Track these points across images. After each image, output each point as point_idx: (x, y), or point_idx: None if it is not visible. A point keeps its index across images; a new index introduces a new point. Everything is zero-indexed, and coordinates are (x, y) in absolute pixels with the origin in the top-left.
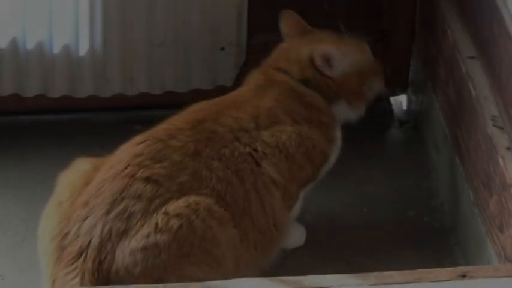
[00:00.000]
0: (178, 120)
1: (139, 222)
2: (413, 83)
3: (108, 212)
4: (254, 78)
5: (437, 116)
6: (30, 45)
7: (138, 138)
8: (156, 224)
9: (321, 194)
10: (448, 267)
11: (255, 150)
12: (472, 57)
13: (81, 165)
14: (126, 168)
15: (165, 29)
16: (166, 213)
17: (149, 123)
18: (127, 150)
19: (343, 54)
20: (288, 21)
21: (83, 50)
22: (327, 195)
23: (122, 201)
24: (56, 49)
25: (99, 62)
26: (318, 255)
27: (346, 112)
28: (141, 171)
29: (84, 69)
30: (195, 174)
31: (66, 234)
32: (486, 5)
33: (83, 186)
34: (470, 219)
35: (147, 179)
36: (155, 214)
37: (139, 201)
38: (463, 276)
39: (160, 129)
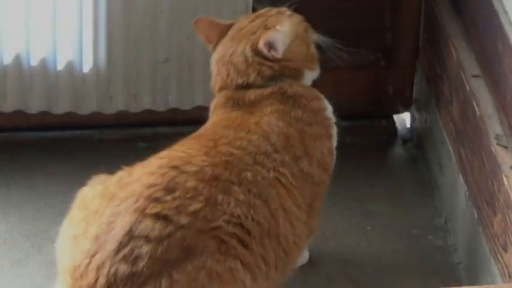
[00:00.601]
0: (186, 147)
1: (145, 268)
2: (416, 100)
3: (116, 252)
4: (222, 106)
5: (440, 134)
6: (34, 61)
7: (153, 165)
8: (160, 284)
9: (324, 212)
10: (452, 286)
11: (282, 174)
12: (476, 76)
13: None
14: (137, 201)
15: (169, 46)
16: (170, 276)
17: (153, 140)
18: (141, 180)
19: (279, 32)
20: (201, 28)
21: (87, 66)
22: (330, 213)
23: (130, 241)
24: (60, 66)
25: (103, 79)
26: (322, 273)
27: (311, 78)
28: (151, 206)
29: (88, 86)
30: (210, 200)
31: (78, 266)
32: (490, 23)
33: (96, 206)
34: (474, 238)
35: (157, 216)
36: (161, 276)
37: (147, 243)
38: None
39: (173, 157)
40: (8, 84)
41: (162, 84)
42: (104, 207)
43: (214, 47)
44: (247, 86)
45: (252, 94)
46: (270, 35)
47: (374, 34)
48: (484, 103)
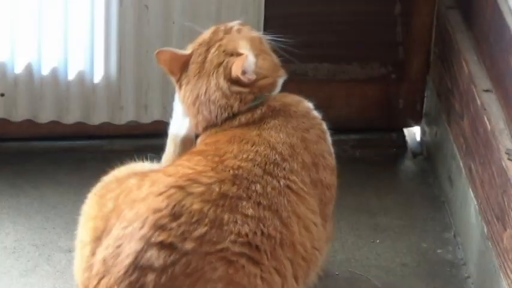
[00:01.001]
0: (194, 163)
1: None
2: (427, 114)
3: (122, 279)
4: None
5: (451, 148)
6: (45, 71)
7: (160, 184)
8: None
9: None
10: None
11: (292, 181)
12: (487, 90)
13: (107, 187)
14: (142, 227)
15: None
16: None
17: (163, 150)
18: (148, 200)
19: (248, 56)
20: (163, 60)
21: (98, 77)
22: (340, 226)
23: (136, 270)
24: (71, 75)
25: (113, 89)
26: (331, 287)
27: (281, 84)
28: (156, 234)
29: (98, 96)
30: (215, 222)
31: (87, 286)
32: (502, 38)
33: (103, 224)
34: (483, 252)
35: (161, 244)
36: None
37: (152, 272)
38: None
39: (180, 174)
40: (19, 94)
41: (172, 95)
42: (112, 225)
43: (178, 81)
44: (233, 116)
45: (242, 118)
46: (243, 63)
47: (385, 48)
48: (495, 118)
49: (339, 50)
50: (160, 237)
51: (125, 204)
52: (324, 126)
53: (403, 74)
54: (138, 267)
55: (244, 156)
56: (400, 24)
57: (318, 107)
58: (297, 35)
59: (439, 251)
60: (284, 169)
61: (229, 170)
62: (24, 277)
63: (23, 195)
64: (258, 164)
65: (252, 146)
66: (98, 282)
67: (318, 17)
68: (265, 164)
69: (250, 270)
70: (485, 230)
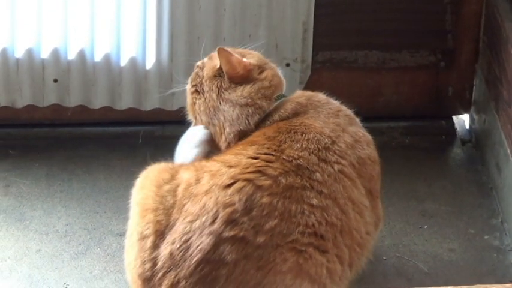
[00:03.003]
0: (251, 151)
1: None
2: (476, 102)
3: (192, 273)
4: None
5: (499, 135)
6: (98, 57)
7: (224, 176)
8: None
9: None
10: (507, 285)
11: (344, 165)
12: None
13: (158, 178)
14: (213, 222)
15: (231, 44)
16: None
17: None
18: (214, 194)
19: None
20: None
21: (150, 62)
22: (388, 212)
23: (208, 264)
24: (123, 62)
25: (165, 75)
26: (379, 271)
27: None
28: (228, 228)
29: (150, 82)
30: (284, 214)
31: (149, 278)
32: None
33: (166, 218)
34: None
35: (234, 238)
36: None
37: (224, 266)
38: None
39: (243, 165)
40: (72, 79)
41: None
42: (175, 220)
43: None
44: (264, 118)
45: (275, 116)
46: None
47: (435, 36)
48: None
49: (389, 37)
50: (232, 231)
51: (186, 198)
52: (346, 108)
53: (452, 62)
54: (209, 261)
55: (298, 145)
56: (449, 12)
57: (367, 95)
58: (347, 23)
59: (486, 237)
60: (335, 152)
61: (291, 161)
62: (75, 260)
63: (75, 180)
64: (312, 152)
65: (301, 135)
66: (163, 276)
67: (368, 5)
68: (318, 150)
69: (317, 260)
70: None
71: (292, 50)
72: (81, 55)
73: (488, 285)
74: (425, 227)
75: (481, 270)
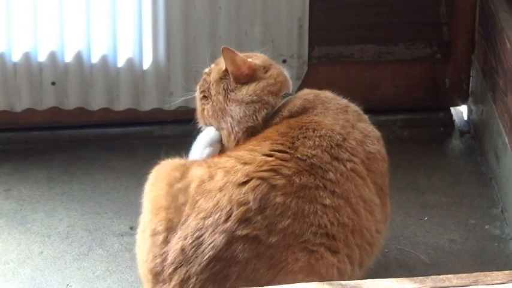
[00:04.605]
0: (265, 147)
1: (231, 287)
2: (473, 93)
3: (203, 269)
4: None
5: (497, 125)
6: (95, 59)
7: (238, 172)
8: None
9: None
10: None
11: (355, 163)
12: None
13: (170, 176)
14: (227, 220)
15: (227, 41)
16: None
17: None
18: (228, 191)
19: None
20: None
21: (147, 63)
22: None
23: (219, 261)
24: (120, 63)
25: (163, 75)
26: (381, 264)
27: None
28: (241, 226)
29: (148, 82)
30: (297, 213)
31: (159, 273)
32: None
33: (177, 215)
34: None
35: (247, 237)
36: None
37: (236, 264)
38: None
39: (258, 163)
40: (70, 82)
41: None
42: (187, 215)
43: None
44: (273, 115)
45: (284, 111)
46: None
47: (430, 28)
48: None
49: (385, 31)
50: (245, 230)
51: (199, 194)
52: (354, 104)
53: (448, 53)
54: (221, 259)
55: (311, 142)
56: (444, 4)
57: (365, 89)
58: (342, 17)
59: (486, 226)
60: (347, 150)
61: (305, 159)
62: (77, 261)
63: (76, 181)
64: (325, 150)
65: (313, 132)
66: (174, 271)
67: None
68: (331, 147)
69: (328, 260)
70: None
71: (288, 46)
72: (78, 57)
73: (488, 273)
74: (426, 218)
75: (482, 260)
